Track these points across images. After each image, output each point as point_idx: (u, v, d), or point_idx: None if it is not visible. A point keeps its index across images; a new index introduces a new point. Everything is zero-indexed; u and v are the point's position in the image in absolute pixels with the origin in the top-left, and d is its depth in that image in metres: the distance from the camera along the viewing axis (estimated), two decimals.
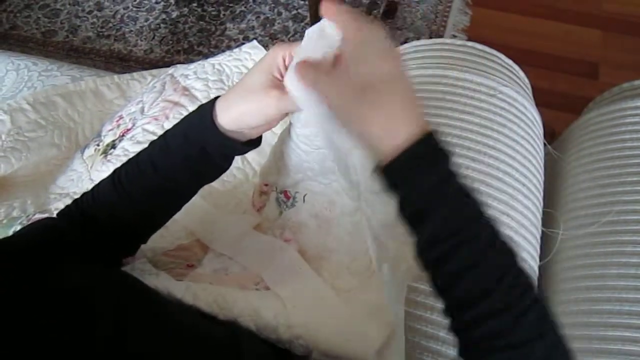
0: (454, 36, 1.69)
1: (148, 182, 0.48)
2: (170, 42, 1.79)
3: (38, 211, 0.77)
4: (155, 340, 0.37)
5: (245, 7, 1.85)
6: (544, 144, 0.74)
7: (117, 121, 0.86)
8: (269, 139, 0.63)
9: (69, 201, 0.76)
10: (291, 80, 0.41)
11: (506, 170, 0.63)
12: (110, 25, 1.86)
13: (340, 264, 0.56)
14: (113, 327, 0.35)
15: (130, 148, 0.78)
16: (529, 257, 0.61)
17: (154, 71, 1.02)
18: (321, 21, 0.43)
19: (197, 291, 0.52)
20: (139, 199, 0.49)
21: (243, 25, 1.81)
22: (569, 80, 1.56)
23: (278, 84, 0.44)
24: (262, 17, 1.82)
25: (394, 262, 0.47)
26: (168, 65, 1.21)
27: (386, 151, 0.37)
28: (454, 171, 0.37)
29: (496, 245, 0.36)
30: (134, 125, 0.82)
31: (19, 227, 0.72)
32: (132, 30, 1.84)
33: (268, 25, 1.80)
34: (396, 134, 0.36)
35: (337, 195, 0.57)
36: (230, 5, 1.87)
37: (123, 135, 0.81)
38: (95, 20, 1.88)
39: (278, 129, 0.54)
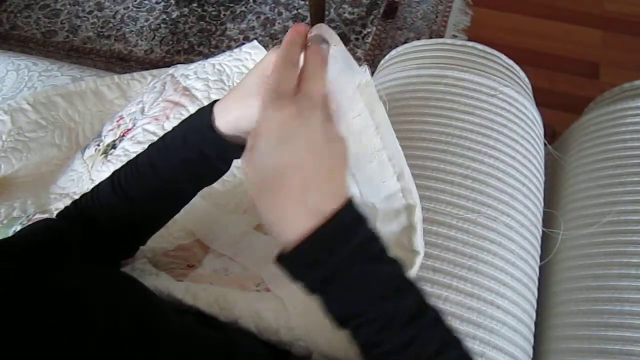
0: (455, 36, 1.69)
1: (147, 184, 0.48)
2: (171, 42, 1.79)
3: (38, 211, 0.77)
4: (151, 342, 0.37)
5: (245, 7, 1.85)
6: (545, 144, 0.73)
7: (118, 121, 0.86)
8: None
9: (69, 201, 0.76)
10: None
11: (506, 170, 0.63)
12: (111, 25, 1.86)
13: None
14: (111, 328, 0.35)
15: (130, 148, 0.78)
16: (529, 257, 0.61)
17: (155, 71, 1.02)
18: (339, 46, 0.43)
19: (197, 292, 0.52)
20: (138, 201, 0.49)
21: (243, 26, 1.81)
22: (569, 80, 1.56)
23: None
24: (262, 17, 1.82)
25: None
26: (168, 65, 1.21)
27: (281, 242, 0.36)
28: (354, 254, 0.35)
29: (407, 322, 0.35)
30: (134, 125, 0.82)
31: (19, 228, 0.72)
32: (132, 31, 1.84)
33: (268, 25, 1.80)
34: (288, 230, 0.35)
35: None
36: (231, 5, 1.87)
37: (123, 136, 0.81)
38: (95, 20, 1.88)
39: None
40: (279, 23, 1.80)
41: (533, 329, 0.59)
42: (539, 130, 0.72)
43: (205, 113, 0.46)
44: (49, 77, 1.03)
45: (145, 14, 1.88)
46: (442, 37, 1.69)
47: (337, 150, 0.37)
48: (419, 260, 0.47)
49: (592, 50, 1.62)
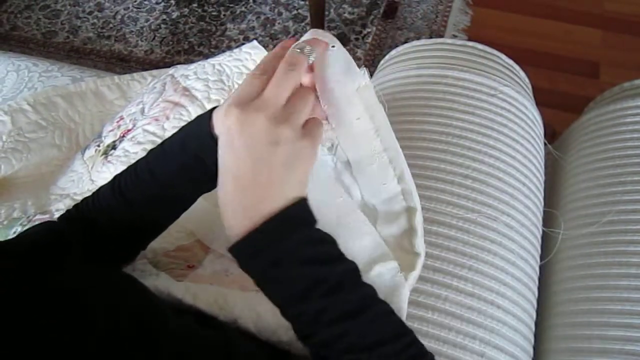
0: (455, 36, 1.69)
1: (146, 189, 0.49)
2: (171, 42, 1.79)
3: (39, 212, 0.77)
4: (151, 342, 0.37)
5: (245, 7, 1.86)
6: (545, 144, 0.73)
7: (118, 122, 0.86)
8: None
9: (69, 202, 0.76)
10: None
11: (506, 170, 0.63)
12: (111, 25, 1.87)
13: None
14: (111, 328, 0.36)
15: (130, 149, 0.78)
16: (530, 256, 0.61)
17: (155, 72, 1.02)
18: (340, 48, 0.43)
19: (197, 291, 0.52)
20: (138, 206, 0.49)
21: (243, 26, 1.81)
22: (569, 80, 1.56)
23: None
24: (262, 17, 1.82)
25: (391, 258, 0.47)
26: (168, 65, 1.21)
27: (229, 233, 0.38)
28: (283, 258, 0.37)
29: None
30: (134, 125, 0.82)
31: (19, 228, 0.72)
32: (132, 31, 1.84)
33: (268, 25, 1.80)
34: (229, 229, 0.38)
35: (337, 196, 0.57)
36: (231, 5, 1.87)
37: (123, 136, 0.81)
38: (95, 21, 1.88)
39: None
40: (279, 23, 1.80)
41: (533, 329, 0.59)
42: (539, 130, 0.72)
43: (204, 119, 0.46)
44: (49, 78, 1.03)
45: (145, 14, 1.88)
46: (442, 37, 1.69)
47: (282, 153, 0.37)
48: (420, 262, 0.47)
49: (592, 50, 1.62)
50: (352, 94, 0.46)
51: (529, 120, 0.69)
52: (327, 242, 0.39)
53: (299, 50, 0.41)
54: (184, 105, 0.81)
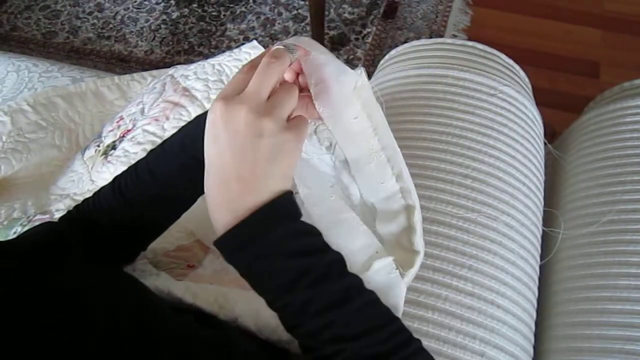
0: (455, 36, 1.69)
1: (146, 189, 0.49)
2: (171, 42, 1.79)
3: (39, 212, 0.77)
4: (151, 342, 0.37)
5: (245, 7, 1.86)
6: (545, 144, 0.73)
7: (118, 122, 0.86)
8: None
9: (69, 202, 0.76)
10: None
11: (506, 170, 0.63)
12: (111, 26, 1.87)
13: None
14: (111, 328, 0.36)
15: (130, 149, 0.78)
16: (530, 256, 0.61)
17: (154, 72, 1.02)
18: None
19: (197, 290, 0.52)
20: (138, 206, 0.49)
21: (243, 26, 1.81)
22: (569, 80, 1.56)
23: None
24: (262, 17, 1.82)
25: (386, 255, 0.47)
26: (168, 66, 1.21)
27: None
28: (266, 250, 0.37)
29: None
30: (134, 126, 0.82)
31: (19, 229, 0.72)
32: (132, 31, 1.84)
33: (268, 25, 1.80)
34: (215, 222, 0.39)
35: (337, 196, 0.57)
36: (231, 5, 1.87)
37: (123, 136, 0.81)
38: (95, 21, 1.88)
39: None
40: (279, 23, 1.80)
41: (533, 328, 0.59)
42: (539, 129, 0.72)
43: (203, 120, 0.46)
44: (49, 78, 1.03)
45: (145, 14, 1.88)
46: (442, 37, 1.69)
47: (265, 146, 0.37)
48: (419, 259, 0.47)
49: (592, 49, 1.62)
50: (350, 93, 0.46)
51: (529, 120, 0.69)
52: (312, 233, 0.39)
53: (282, 47, 0.41)
54: (183, 106, 0.81)
